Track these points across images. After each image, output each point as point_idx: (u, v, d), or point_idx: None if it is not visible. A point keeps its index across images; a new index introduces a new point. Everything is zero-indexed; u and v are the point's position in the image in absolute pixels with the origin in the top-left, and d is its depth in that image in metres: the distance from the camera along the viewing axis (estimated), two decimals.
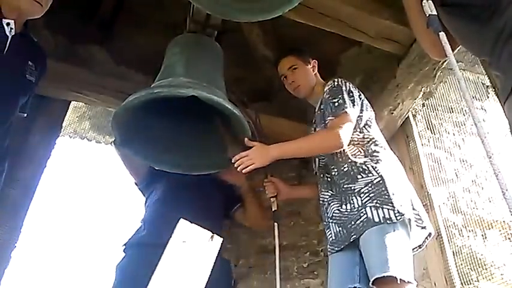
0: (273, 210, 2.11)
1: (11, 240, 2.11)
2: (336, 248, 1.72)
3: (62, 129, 2.70)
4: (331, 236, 1.76)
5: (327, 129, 1.81)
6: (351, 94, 1.87)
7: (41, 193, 2.34)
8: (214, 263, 1.07)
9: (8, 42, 1.61)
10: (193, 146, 1.99)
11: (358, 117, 1.87)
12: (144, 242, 2.04)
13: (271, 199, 2.10)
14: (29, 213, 2.21)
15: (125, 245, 2.10)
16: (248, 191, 2.31)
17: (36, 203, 2.28)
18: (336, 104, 1.82)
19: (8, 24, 1.62)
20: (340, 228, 1.70)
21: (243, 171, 1.73)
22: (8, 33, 1.62)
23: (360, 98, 1.92)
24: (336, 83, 1.90)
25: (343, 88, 1.87)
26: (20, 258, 2.32)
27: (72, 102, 2.65)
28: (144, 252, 1.99)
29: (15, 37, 1.65)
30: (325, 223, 1.84)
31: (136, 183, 2.32)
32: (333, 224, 1.75)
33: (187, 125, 1.99)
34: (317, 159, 1.98)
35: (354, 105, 1.84)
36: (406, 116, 2.56)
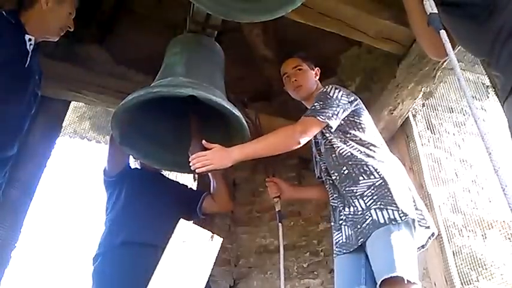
0: (276, 210, 2.10)
1: (11, 240, 2.11)
2: (345, 251, 1.72)
3: (62, 129, 2.71)
4: (342, 239, 1.75)
5: (288, 127, 1.81)
6: (337, 102, 1.83)
7: (41, 193, 2.35)
8: None
9: (28, 57, 1.74)
10: None
11: (354, 121, 1.87)
12: (129, 241, 2.06)
13: (275, 199, 2.10)
14: (29, 213, 2.22)
15: (101, 247, 2.12)
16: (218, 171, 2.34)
17: (36, 203, 2.29)
18: (313, 107, 1.83)
19: (29, 40, 1.75)
20: (351, 232, 1.70)
21: (197, 170, 1.66)
22: (28, 49, 1.74)
23: (353, 104, 1.89)
24: (324, 90, 1.90)
25: (330, 95, 1.85)
26: (20, 258, 2.32)
27: (72, 102, 2.65)
28: (131, 251, 2.02)
29: (32, 53, 1.77)
30: (336, 225, 1.83)
31: (107, 174, 2.32)
32: (345, 227, 1.75)
33: (187, 125, 1.99)
34: (319, 164, 1.97)
35: (334, 113, 1.80)
36: (406, 116, 2.57)
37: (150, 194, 2.25)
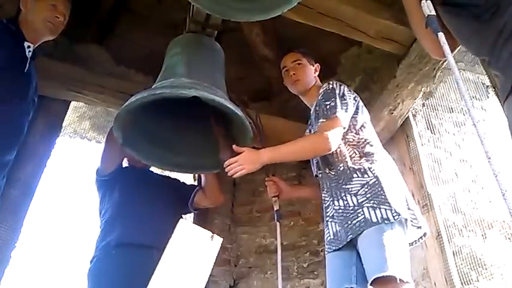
0: (275, 209, 2.11)
1: (11, 240, 2.11)
2: (333, 247, 1.73)
3: (62, 129, 2.70)
4: (329, 235, 1.77)
5: (317, 133, 1.82)
6: (344, 97, 1.87)
7: (41, 193, 2.34)
8: None
9: (28, 63, 1.78)
10: (196, 146, 1.99)
11: (354, 119, 1.88)
12: (124, 243, 2.06)
13: (273, 199, 2.11)
14: (29, 213, 2.22)
15: (97, 249, 2.12)
16: None
17: (36, 203, 2.28)
18: (328, 106, 1.84)
19: (28, 46, 1.79)
20: (340, 228, 1.71)
21: (234, 176, 1.73)
22: (28, 55, 1.78)
23: (355, 100, 1.93)
24: (330, 86, 1.91)
25: (337, 91, 1.88)
26: (20, 258, 2.32)
27: (72, 102, 2.65)
28: (127, 252, 2.03)
29: (31, 60, 1.81)
30: (325, 222, 1.84)
31: (100, 173, 2.32)
32: (332, 223, 1.77)
33: (189, 125, 1.99)
34: (315, 160, 1.98)
35: (346, 108, 1.84)
36: (406, 116, 2.57)
37: (142, 193, 2.25)
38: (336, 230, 1.73)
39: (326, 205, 1.85)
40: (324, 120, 1.81)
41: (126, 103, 1.67)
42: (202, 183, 2.38)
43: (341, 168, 1.80)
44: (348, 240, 1.65)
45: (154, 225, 2.06)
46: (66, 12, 1.91)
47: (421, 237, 1.78)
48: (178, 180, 2.58)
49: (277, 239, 2.06)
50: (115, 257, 2.04)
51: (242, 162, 1.71)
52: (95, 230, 2.30)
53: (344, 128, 1.83)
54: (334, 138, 1.76)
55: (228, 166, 1.72)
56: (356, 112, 1.91)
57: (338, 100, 1.84)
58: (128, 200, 2.21)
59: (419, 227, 1.72)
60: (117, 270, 1.99)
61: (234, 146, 1.75)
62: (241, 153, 1.73)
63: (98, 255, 2.10)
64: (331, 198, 1.80)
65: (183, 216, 2.36)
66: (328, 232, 1.78)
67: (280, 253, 2.03)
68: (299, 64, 2.09)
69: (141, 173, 2.34)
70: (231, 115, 1.75)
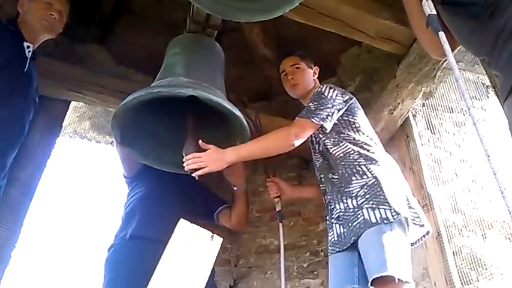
0: (277, 210, 2.11)
1: (11, 240, 2.11)
2: (337, 249, 1.73)
3: (62, 129, 2.70)
4: (334, 237, 1.77)
5: (283, 128, 1.81)
6: (331, 101, 1.84)
7: (41, 193, 2.34)
8: None
9: (27, 63, 1.80)
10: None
11: (348, 121, 1.88)
12: (140, 236, 2.07)
13: (275, 199, 2.11)
14: (29, 213, 2.22)
15: (115, 239, 2.13)
16: (244, 193, 2.29)
17: (36, 203, 2.28)
18: (308, 108, 1.84)
19: (28, 47, 1.81)
20: (344, 230, 1.71)
21: (194, 174, 1.66)
22: (27, 55, 1.80)
23: (346, 103, 1.89)
24: (319, 89, 1.91)
25: (324, 95, 1.86)
26: (20, 258, 2.32)
27: (72, 102, 2.65)
28: (142, 245, 2.03)
29: (31, 60, 1.83)
30: (328, 223, 1.84)
31: (126, 176, 2.33)
32: (337, 225, 1.76)
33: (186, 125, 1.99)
34: (317, 162, 1.98)
35: (327, 114, 1.81)
36: (406, 116, 2.57)
37: (167, 191, 2.22)
38: (340, 232, 1.73)
39: (331, 207, 1.84)
40: (298, 118, 1.82)
41: (124, 101, 1.67)
42: (233, 205, 2.34)
43: (341, 172, 1.79)
44: (351, 242, 1.65)
45: (171, 223, 2.04)
46: (64, 10, 1.90)
47: (423, 236, 1.78)
48: (210, 189, 2.55)
49: (280, 240, 2.06)
50: (131, 248, 2.05)
51: (206, 159, 1.64)
52: (95, 230, 2.30)
53: (325, 129, 1.81)
54: (298, 137, 1.76)
55: (189, 160, 1.64)
56: (350, 114, 1.90)
57: (321, 104, 1.83)
58: (151, 195, 2.21)
59: (421, 225, 1.72)
60: (131, 261, 1.99)
61: (200, 142, 1.67)
62: (207, 150, 1.67)
63: (115, 244, 2.11)
64: (334, 201, 1.80)
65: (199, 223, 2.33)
66: (332, 233, 1.78)
67: (284, 253, 2.02)
68: (297, 68, 2.09)
69: (172, 172, 2.31)
70: (229, 115, 1.75)
